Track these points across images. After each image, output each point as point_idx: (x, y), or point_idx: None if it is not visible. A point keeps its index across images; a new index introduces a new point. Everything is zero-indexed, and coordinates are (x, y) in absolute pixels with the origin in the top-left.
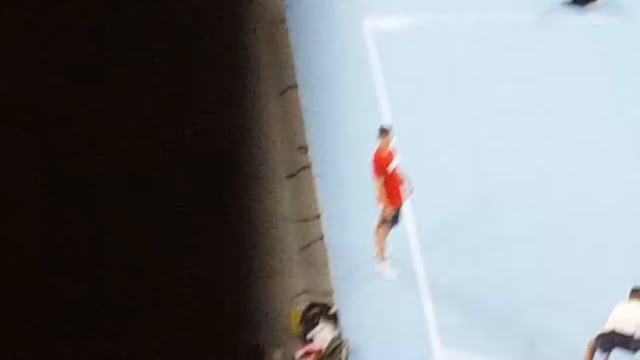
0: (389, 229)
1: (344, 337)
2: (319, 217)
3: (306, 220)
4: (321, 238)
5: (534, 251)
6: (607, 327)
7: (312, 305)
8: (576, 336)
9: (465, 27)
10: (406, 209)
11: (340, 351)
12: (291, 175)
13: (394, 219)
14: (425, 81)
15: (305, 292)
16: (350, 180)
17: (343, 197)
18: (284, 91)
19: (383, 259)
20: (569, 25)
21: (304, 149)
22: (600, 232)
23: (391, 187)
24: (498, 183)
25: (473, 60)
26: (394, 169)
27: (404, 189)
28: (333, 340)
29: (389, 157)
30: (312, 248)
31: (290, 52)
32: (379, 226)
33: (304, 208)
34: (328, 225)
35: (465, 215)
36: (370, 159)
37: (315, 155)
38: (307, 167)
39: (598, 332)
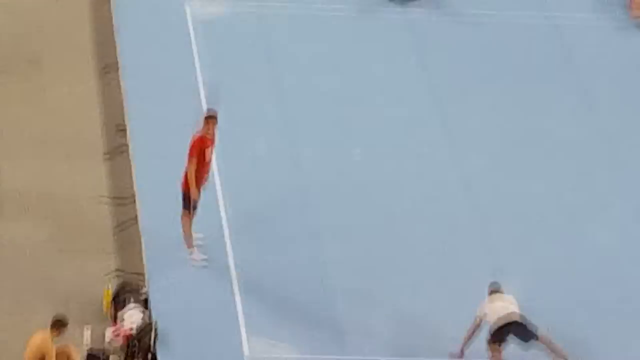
0: (193, 216)
1: (153, 321)
2: (134, 197)
3: (121, 200)
4: (135, 219)
5: (345, 243)
6: (496, 321)
7: (123, 286)
8: (385, 328)
9: (286, 18)
10: (220, 196)
11: (149, 334)
12: (108, 155)
13: (192, 204)
14: (243, 68)
15: (118, 271)
16: (167, 163)
17: (159, 179)
18: (105, 70)
19: (191, 246)
20: (390, 19)
21: (122, 128)
22: (415, 227)
23: (200, 172)
24: (312, 174)
25: (292, 49)
26: (209, 157)
27: (206, 178)
28: (142, 322)
29: (209, 142)
30: (126, 228)
31: (112, 32)
32: (184, 214)
33: (120, 188)
34: (142, 207)
35: (278, 205)
36: (190, 140)
37: (132, 136)
38: (124, 147)
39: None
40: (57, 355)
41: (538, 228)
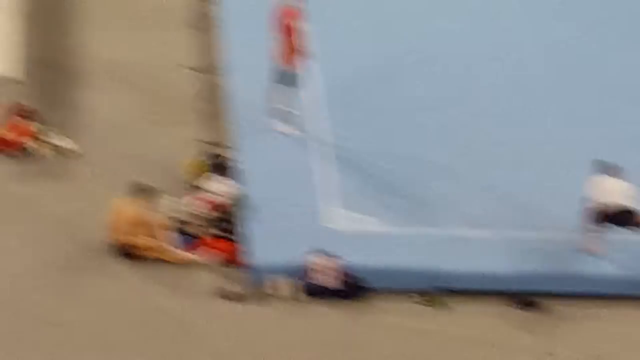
0: (287, 89)
1: (238, 190)
2: (221, 67)
3: (209, 69)
4: (222, 89)
5: (438, 117)
6: (602, 200)
7: (209, 155)
8: (473, 201)
9: None
10: (312, 68)
11: (235, 203)
12: (194, 23)
13: (286, 78)
14: None
15: (203, 141)
16: (256, 31)
17: (246, 49)
18: None
19: (283, 116)
20: None
21: None
22: (509, 97)
23: (292, 45)
24: (409, 48)
25: None
26: (298, 28)
27: (303, 50)
28: (228, 192)
29: (295, 14)
30: (213, 98)
31: None
32: (275, 84)
33: (207, 57)
34: (229, 77)
35: (373, 76)
36: (275, 13)
37: (220, 5)
38: (212, 17)
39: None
40: (142, 223)
41: None
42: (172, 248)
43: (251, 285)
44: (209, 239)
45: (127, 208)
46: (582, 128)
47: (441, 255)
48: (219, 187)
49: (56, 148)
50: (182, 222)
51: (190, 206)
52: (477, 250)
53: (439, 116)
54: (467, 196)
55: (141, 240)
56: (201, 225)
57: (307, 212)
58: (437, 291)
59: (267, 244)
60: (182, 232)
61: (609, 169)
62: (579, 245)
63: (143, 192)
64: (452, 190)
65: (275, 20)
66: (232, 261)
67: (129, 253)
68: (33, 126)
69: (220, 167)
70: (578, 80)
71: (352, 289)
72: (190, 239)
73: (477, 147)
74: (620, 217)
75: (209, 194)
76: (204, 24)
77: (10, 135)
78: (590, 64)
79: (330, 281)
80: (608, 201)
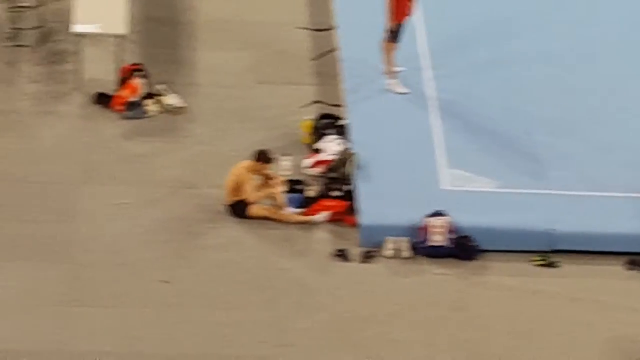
0: (394, 46)
1: (352, 151)
2: (333, 27)
3: (321, 29)
4: (335, 49)
5: (549, 72)
6: None
7: (322, 116)
8: (585, 158)
9: None
10: (418, 25)
11: (349, 163)
12: None
13: (395, 36)
14: None
15: (317, 102)
16: None
17: (358, 8)
18: None
19: (392, 75)
20: None
21: None
22: (620, 60)
23: (403, 3)
24: (511, 4)
25: None
26: None
27: (412, 6)
28: (342, 152)
29: None
30: (325, 58)
31: None
32: (387, 45)
33: (320, 17)
34: (342, 37)
35: (478, 34)
36: None
37: None
38: None
39: None
40: (259, 185)
41: None
42: (288, 209)
43: (365, 245)
44: (324, 200)
45: (245, 170)
46: None
47: (555, 215)
48: (333, 147)
49: (168, 106)
50: (298, 183)
51: (305, 167)
52: (591, 211)
53: (549, 71)
54: (582, 155)
55: (258, 201)
56: (316, 186)
57: (418, 172)
58: (552, 252)
59: (379, 204)
60: (298, 192)
61: None
62: None
63: (262, 155)
64: (565, 149)
65: None
66: (347, 221)
67: (245, 214)
68: (148, 85)
69: (334, 127)
70: None
71: (465, 249)
72: (306, 200)
73: (590, 105)
74: None
75: (324, 155)
76: None
77: (128, 95)
78: None
79: (443, 241)
80: None
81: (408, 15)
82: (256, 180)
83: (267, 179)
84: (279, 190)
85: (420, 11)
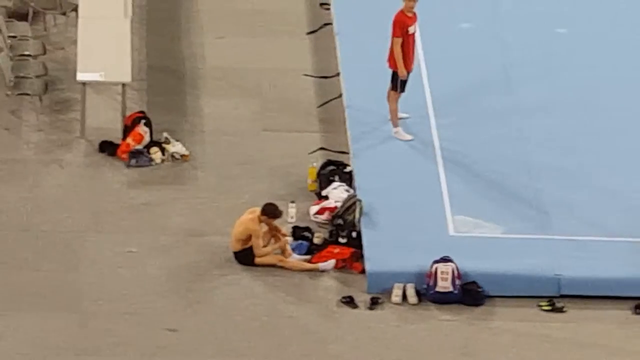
0: (399, 95)
1: (358, 198)
2: (338, 74)
3: (326, 77)
4: (340, 96)
5: (550, 121)
6: None
7: (328, 163)
8: (590, 205)
9: None
10: (424, 74)
11: (354, 210)
12: (312, 32)
13: (403, 85)
14: None
15: (322, 149)
16: (371, 39)
17: (363, 56)
18: None
19: (397, 124)
20: None
21: (326, 5)
22: (620, 105)
23: (407, 50)
24: (516, 51)
25: None
26: (413, 33)
27: (414, 56)
28: (347, 199)
29: (412, 19)
30: (330, 105)
31: None
32: (391, 92)
33: (324, 64)
34: (346, 84)
35: (482, 82)
36: (392, 19)
37: (336, 12)
38: (328, 24)
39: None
40: (265, 233)
41: None
42: (294, 256)
43: (372, 291)
44: (330, 246)
45: (252, 222)
46: None
47: (561, 260)
48: (339, 194)
49: (173, 154)
50: (304, 230)
51: (311, 213)
52: (596, 256)
53: (550, 120)
54: (583, 201)
55: (264, 249)
56: (322, 233)
57: (423, 218)
58: (557, 297)
59: (384, 250)
60: (305, 239)
61: None
62: None
63: (270, 209)
64: (568, 195)
65: (391, 26)
66: (353, 268)
67: (252, 262)
68: (152, 134)
69: (340, 173)
70: None
71: (471, 295)
72: (312, 247)
73: (592, 151)
74: None
75: (330, 201)
76: (320, 30)
77: (133, 143)
78: None
79: (450, 287)
80: None
81: (411, 61)
82: (263, 228)
83: (273, 230)
84: (285, 241)
85: (426, 61)
